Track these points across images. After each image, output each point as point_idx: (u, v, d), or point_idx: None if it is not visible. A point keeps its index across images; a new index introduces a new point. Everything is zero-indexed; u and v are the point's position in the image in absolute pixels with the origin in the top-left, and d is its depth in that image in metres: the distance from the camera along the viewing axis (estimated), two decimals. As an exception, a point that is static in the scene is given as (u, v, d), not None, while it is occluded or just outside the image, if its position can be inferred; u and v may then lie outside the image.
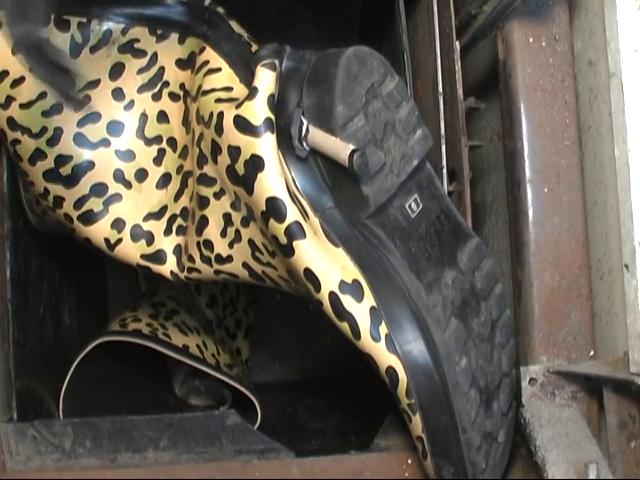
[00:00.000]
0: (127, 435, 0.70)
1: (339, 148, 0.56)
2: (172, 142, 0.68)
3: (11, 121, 0.67)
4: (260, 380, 1.07)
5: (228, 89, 0.62)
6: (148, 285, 0.98)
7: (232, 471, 0.68)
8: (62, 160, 0.67)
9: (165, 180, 0.68)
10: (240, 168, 0.59)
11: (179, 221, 0.68)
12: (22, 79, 0.66)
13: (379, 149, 0.59)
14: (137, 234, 0.67)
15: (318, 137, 0.57)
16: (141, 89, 0.67)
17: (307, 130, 0.58)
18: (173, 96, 0.67)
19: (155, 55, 0.67)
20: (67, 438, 0.70)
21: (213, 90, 0.62)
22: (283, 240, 0.58)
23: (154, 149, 0.68)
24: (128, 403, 0.83)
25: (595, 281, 0.68)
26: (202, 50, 0.65)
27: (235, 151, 0.59)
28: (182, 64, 0.67)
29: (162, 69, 0.67)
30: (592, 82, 0.68)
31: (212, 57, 0.64)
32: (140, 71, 0.67)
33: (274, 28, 1.10)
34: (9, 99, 0.66)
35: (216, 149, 0.61)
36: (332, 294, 0.58)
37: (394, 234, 0.60)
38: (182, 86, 0.68)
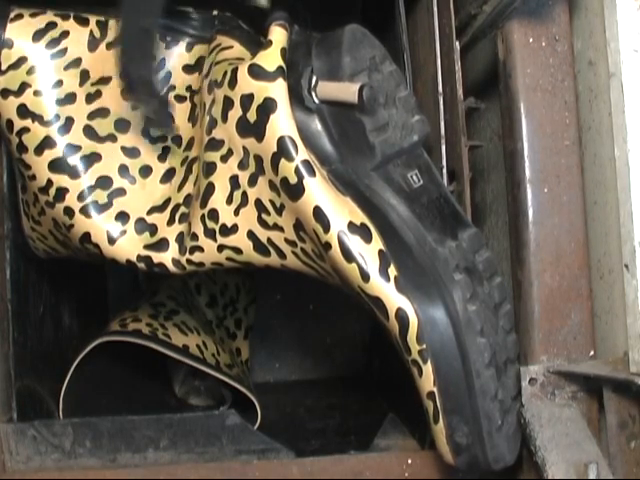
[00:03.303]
0: (127, 435, 0.70)
1: (347, 88, 0.60)
2: (177, 139, 0.69)
3: (22, 108, 0.68)
4: (260, 380, 1.07)
5: (240, 59, 0.64)
6: (148, 285, 0.98)
7: (232, 471, 0.68)
8: (71, 149, 0.68)
9: (169, 175, 0.69)
10: (252, 115, 0.61)
11: (182, 209, 0.68)
12: (40, 66, 0.67)
13: (382, 109, 0.62)
14: (141, 228, 0.68)
15: (327, 86, 0.61)
16: None
17: (316, 82, 0.61)
18: (179, 98, 0.69)
19: (163, 60, 0.69)
20: (67, 438, 0.70)
21: (226, 59, 0.65)
22: (293, 179, 0.59)
23: (159, 147, 0.69)
24: (128, 403, 0.83)
25: (595, 281, 0.68)
26: (213, 39, 0.67)
27: (248, 99, 0.61)
28: (189, 69, 0.69)
29: (169, 74, 0.69)
30: (592, 82, 0.68)
31: (223, 40, 0.67)
32: None
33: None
34: (23, 86, 0.68)
35: (228, 105, 0.63)
36: (341, 234, 0.59)
37: (399, 193, 0.61)
38: (189, 88, 0.69)
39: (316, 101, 0.61)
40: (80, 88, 0.69)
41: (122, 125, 0.69)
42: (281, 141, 0.60)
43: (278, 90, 0.60)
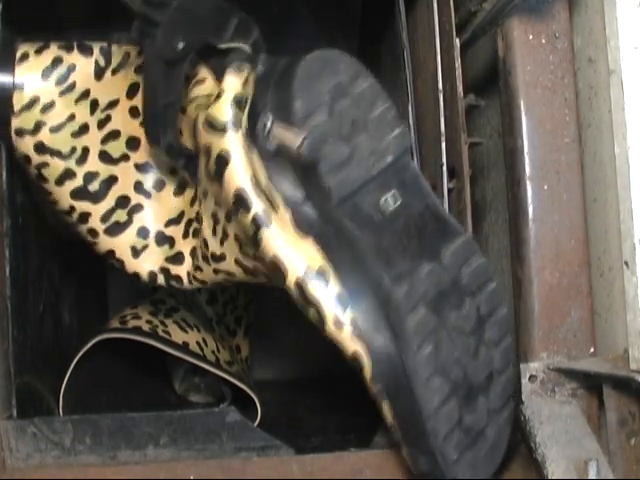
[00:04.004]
0: (127, 432, 0.70)
1: (293, 137, 0.59)
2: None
3: (40, 146, 0.69)
4: (260, 377, 1.07)
5: (209, 96, 0.64)
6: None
7: (232, 468, 0.68)
8: (90, 177, 0.70)
9: (182, 187, 0.72)
10: (212, 165, 0.62)
11: (194, 225, 0.70)
12: (53, 104, 0.69)
13: (344, 144, 0.60)
14: (161, 240, 0.71)
15: (279, 132, 0.60)
16: None
17: (272, 125, 0.60)
18: (183, 110, 0.69)
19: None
20: (67, 435, 0.70)
21: (197, 97, 0.65)
22: (251, 230, 0.60)
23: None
24: (128, 400, 0.83)
25: (595, 278, 0.68)
26: (195, 65, 0.67)
27: (207, 150, 0.62)
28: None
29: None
30: (592, 79, 0.68)
31: (200, 70, 0.66)
32: None
33: (274, 26, 1.10)
34: (39, 124, 0.69)
35: (198, 151, 0.64)
36: (299, 281, 0.60)
37: (365, 226, 0.61)
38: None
39: (273, 144, 0.60)
40: (91, 117, 0.70)
41: (133, 143, 0.71)
42: (237, 194, 0.60)
43: (231, 142, 0.61)
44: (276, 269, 0.60)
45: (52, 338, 0.85)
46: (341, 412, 0.90)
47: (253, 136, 0.61)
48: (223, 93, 0.61)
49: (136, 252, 0.71)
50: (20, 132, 0.69)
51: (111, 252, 0.72)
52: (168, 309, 0.87)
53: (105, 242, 0.72)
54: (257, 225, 0.60)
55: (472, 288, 0.62)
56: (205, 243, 0.67)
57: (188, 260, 0.71)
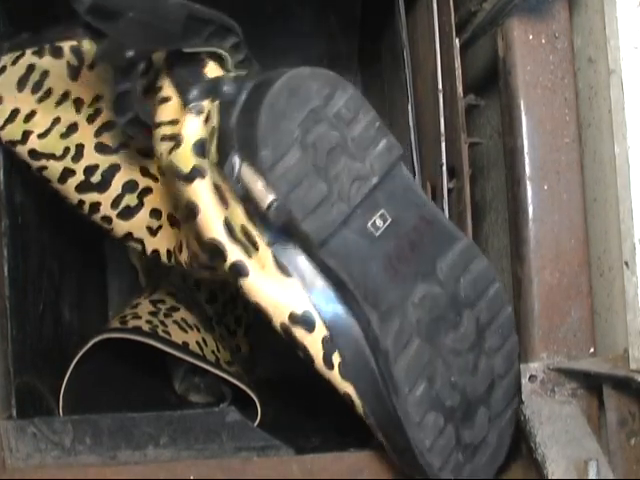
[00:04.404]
0: (127, 432, 0.70)
1: (261, 196, 0.55)
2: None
3: (33, 152, 0.70)
4: (260, 377, 1.07)
5: (174, 122, 0.61)
6: (148, 281, 0.98)
7: (232, 468, 0.68)
8: (90, 170, 0.71)
9: None
10: (183, 211, 0.61)
11: None
12: (33, 112, 0.69)
13: (321, 179, 0.56)
14: (173, 221, 0.71)
15: (247, 178, 0.56)
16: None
17: (240, 168, 0.56)
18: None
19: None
20: (67, 435, 0.70)
21: (161, 124, 0.62)
22: (230, 277, 0.59)
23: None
24: (128, 400, 0.83)
25: (595, 278, 0.68)
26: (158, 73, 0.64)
27: (175, 194, 0.61)
28: None
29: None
30: (592, 79, 0.68)
31: (164, 84, 0.62)
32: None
33: (274, 25, 1.09)
34: (26, 134, 0.70)
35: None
36: (283, 326, 0.59)
37: (350, 259, 0.58)
38: None
39: (241, 191, 0.57)
40: (79, 115, 0.70)
41: None
42: (210, 243, 0.58)
43: (198, 192, 0.58)
44: (260, 311, 0.59)
45: (52, 337, 0.85)
46: (341, 412, 0.90)
47: (223, 176, 0.57)
48: (182, 141, 0.58)
49: (152, 231, 0.72)
50: (11, 143, 0.70)
51: (129, 234, 0.73)
52: (168, 309, 0.87)
53: (120, 226, 0.72)
54: (235, 274, 0.58)
55: (471, 298, 0.61)
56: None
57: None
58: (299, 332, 0.59)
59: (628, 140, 0.62)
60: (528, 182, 0.67)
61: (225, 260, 0.58)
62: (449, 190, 0.74)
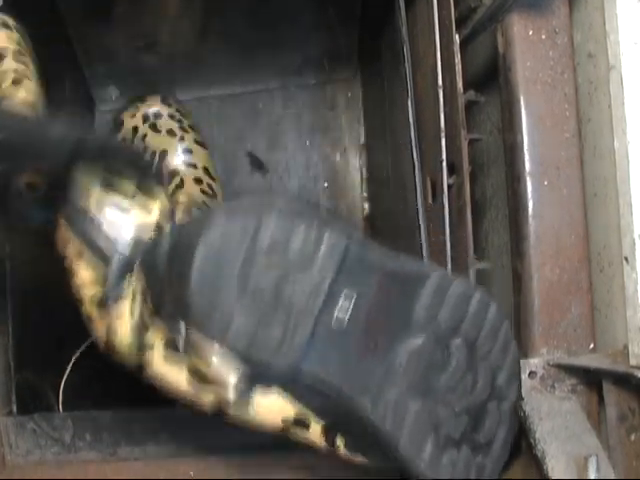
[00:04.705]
0: (127, 428, 0.70)
1: (220, 380, 0.53)
2: None
3: None
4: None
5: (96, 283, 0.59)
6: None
7: (232, 465, 0.68)
8: None
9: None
10: None
11: None
12: None
13: (275, 315, 0.54)
14: None
15: (196, 344, 0.53)
16: None
17: (186, 336, 0.54)
18: None
19: None
20: (67, 431, 0.70)
21: (84, 285, 0.60)
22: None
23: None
24: (128, 396, 0.83)
25: (595, 274, 0.68)
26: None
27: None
28: None
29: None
30: (592, 74, 0.68)
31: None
32: None
33: (274, 22, 1.09)
34: None
35: None
36: (282, 431, 0.59)
37: (328, 366, 0.56)
38: None
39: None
40: None
41: None
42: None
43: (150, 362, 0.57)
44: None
45: (52, 333, 0.85)
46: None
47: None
48: (117, 334, 0.58)
49: None
50: None
51: None
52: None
53: None
54: (222, 407, 0.56)
55: (457, 323, 0.59)
56: None
57: None
58: (298, 433, 0.59)
59: (628, 135, 0.62)
60: (528, 178, 0.67)
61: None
62: (449, 186, 0.74)
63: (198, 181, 0.93)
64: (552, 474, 0.59)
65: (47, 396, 0.78)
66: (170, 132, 0.95)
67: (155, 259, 0.55)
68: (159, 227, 0.58)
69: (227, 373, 0.53)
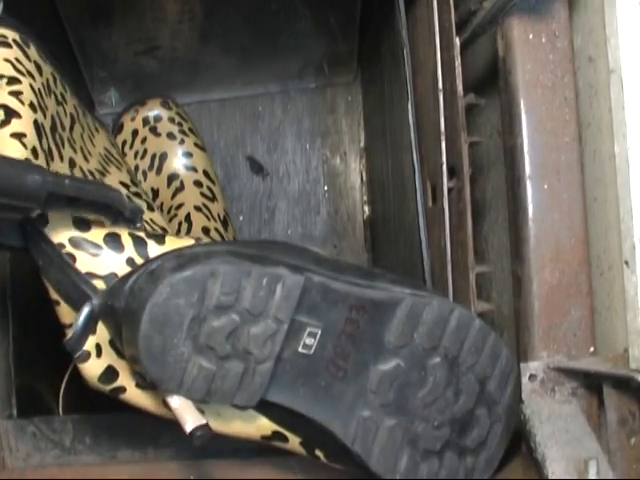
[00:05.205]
0: (127, 432, 0.70)
1: (182, 419, 0.54)
2: None
3: None
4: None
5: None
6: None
7: (232, 468, 0.68)
8: None
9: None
10: None
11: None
12: None
13: (232, 364, 0.55)
14: None
15: (162, 392, 0.55)
16: None
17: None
18: None
19: None
20: (67, 435, 0.70)
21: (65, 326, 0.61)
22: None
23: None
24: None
25: (595, 277, 0.68)
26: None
27: None
28: None
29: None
30: (592, 78, 0.68)
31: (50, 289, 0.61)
32: None
33: (274, 24, 1.10)
34: None
35: None
36: (261, 442, 0.61)
37: (294, 397, 0.57)
38: None
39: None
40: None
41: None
42: None
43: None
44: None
45: (52, 337, 0.85)
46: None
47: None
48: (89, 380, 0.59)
49: None
50: None
51: None
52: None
53: None
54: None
55: (435, 341, 0.60)
56: None
57: None
58: (279, 445, 0.61)
59: (628, 139, 0.62)
60: (528, 181, 0.67)
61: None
62: (449, 189, 0.74)
63: (198, 184, 0.93)
64: (552, 477, 0.59)
65: (47, 399, 0.78)
66: (170, 135, 0.95)
67: (114, 314, 0.55)
68: (132, 262, 0.58)
69: (191, 409, 0.54)
